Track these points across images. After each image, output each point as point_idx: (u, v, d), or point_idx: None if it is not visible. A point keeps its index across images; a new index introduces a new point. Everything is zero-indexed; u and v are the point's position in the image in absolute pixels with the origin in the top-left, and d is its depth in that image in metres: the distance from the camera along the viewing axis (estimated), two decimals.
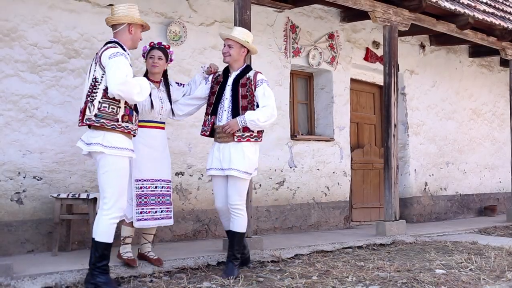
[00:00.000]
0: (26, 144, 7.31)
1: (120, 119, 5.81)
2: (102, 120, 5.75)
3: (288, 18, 10.28)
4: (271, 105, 6.74)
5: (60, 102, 7.56)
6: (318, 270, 6.98)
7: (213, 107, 6.86)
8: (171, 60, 7.02)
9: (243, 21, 7.82)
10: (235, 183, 6.73)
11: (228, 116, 6.73)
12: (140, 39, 6.28)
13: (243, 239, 6.92)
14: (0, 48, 6.93)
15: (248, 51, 7.02)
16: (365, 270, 6.93)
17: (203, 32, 8.98)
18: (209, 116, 6.87)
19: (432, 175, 13.18)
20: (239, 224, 6.82)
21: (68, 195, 7.14)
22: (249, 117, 6.63)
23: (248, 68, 6.97)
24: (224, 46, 6.89)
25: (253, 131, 6.72)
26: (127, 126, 5.88)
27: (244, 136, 6.69)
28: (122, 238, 6.76)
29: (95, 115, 5.75)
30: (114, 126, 5.78)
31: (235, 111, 6.71)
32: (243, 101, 6.74)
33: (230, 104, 6.75)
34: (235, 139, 6.67)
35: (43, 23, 7.48)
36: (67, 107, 7.58)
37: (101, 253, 5.78)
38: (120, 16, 6.09)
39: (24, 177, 7.29)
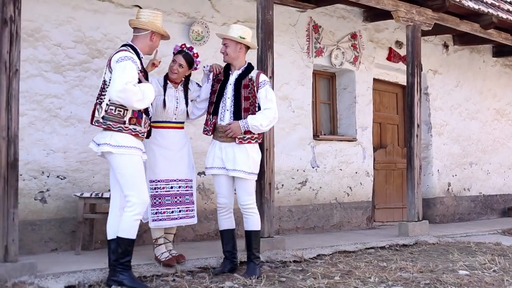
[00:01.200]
0: (50, 144, 7.36)
1: (127, 122, 5.83)
2: (108, 122, 5.80)
3: (311, 18, 10.26)
4: (273, 108, 6.71)
5: (84, 102, 7.60)
6: (340, 270, 6.97)
7: (214, 107, 6.80)
8: (195, 69, 6.95)
9: (266, 21, 7.82)
10: (243, 184, 6.73)
11: (231, 116, 6.70)
12: (157, 46, 6.30)
13: (259, 237, 6.94)
14: (24, 48, 6.96)
15: (249, 47, 6.92)
16: (387, 271, 6.91)
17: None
18: (211, 116, 6.81)
19: (456, 175, 13.10)
20: (253, 222, 6.82)
21: (91, 194, 7.19)
22: (252, 122, 6.60)
23: (250, 68, 6.86)
24: (222, 46, 6.84)
25: (253, 134, 6.70)
26: (135, 129, 5.88)
27: (245, 139, 6.66)
28: (154, 240, 6.78)
29: (103, 117, 5.82)
30: (120, 128, 5.81)
31: (237, 113, 6.67)
32: (245, 103, 6.70)
33: (232, 104, 6.71)
34: (237, 141, 6.65)
35: (66, 23, 7.52)
36: (91, 107, 7.52)
37: (124, 249, 5.79)
38: (146, 22, 6.07)
39: (48, 176, 7.34)
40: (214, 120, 6.78)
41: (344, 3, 10.16)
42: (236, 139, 6.63)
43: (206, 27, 8.80)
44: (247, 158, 6.66)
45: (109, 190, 7.52)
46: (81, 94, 7.60)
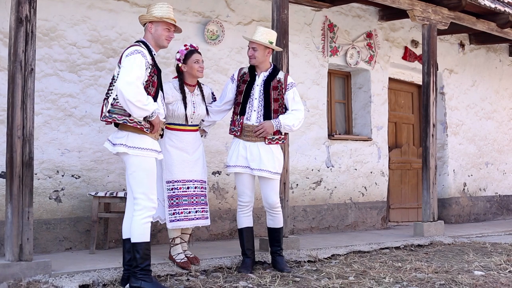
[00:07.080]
0: (65, 143, 7.38)
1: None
2: (114, 115, 5.64)
3: (326, 17, 10.24)
4: (301, 109, 6.94)
5: (99, 101, 7.61)
6: (355, 270, 6.95)
7: (241, 107, 6.88)
8: None
9: (281, 20, 7.80)
10: (271, 184, 6.89)
11: (258, 117, 6.83)
12: (171, 37, 6.03)
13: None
14: (39, 47, 6.99)
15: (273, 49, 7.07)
16: (402, 271, 6.88)
17: (240, 31, 8.97)
18: (238, 116, 6.89)
19: (471, 175, 13.03)
20: (280, 220, 7.08)
21: (105, 193, 7.20)
22: (285, 122, 6.80)
23: (276, 69, 7.01)
24: (249, 49, 6.91)
25: (281, 135, 6.89)
26: (140, 122, 5.66)
27: (274, 139, 6.84)
28: (170, 240, 6.79)
29: (109, 111, 5.66)
30: (125, 120, 5.63)
31: (267, 114, 6.81)
32: (275, 104, 6.85)
33: (261, 105, 6.83)
34: (266, 142, 6.80)
35: (82, 23, 7.54)
36: None
37: (142, 253, 5.68)
38: (140, 17, 6.02)
39: (63, 176, 7.36)
40: (241, 120, 6.86)
41: (360, 2, 10.14)
42: (266, 140, 6.79)
43: (221, 26, 8.79)
44: (272, 158, 6.82)
45: (123, 190, 7.58)
46: (96, 94, 7.61)
